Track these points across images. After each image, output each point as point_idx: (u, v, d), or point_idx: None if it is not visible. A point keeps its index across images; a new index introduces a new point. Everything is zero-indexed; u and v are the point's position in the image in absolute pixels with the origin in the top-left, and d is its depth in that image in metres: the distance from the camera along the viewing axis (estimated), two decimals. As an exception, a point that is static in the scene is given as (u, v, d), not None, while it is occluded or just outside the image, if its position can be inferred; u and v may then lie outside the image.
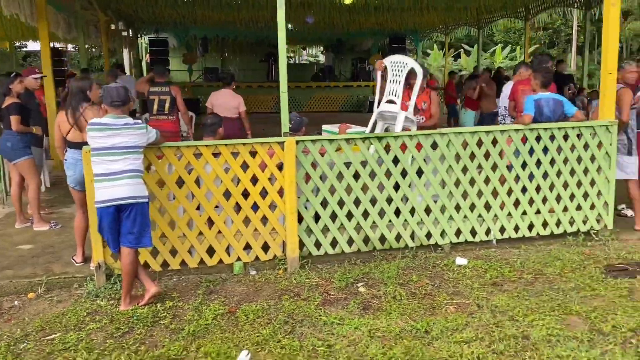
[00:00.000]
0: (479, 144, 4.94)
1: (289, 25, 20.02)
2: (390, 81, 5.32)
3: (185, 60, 20.93)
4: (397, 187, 4.89)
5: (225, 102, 7.31)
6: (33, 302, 4.19)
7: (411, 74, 5.22)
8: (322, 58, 28.62)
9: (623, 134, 5.52)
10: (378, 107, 5.38)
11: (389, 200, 4.89)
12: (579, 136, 5.13)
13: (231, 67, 23.83)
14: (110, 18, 14.75)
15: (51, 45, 10.27)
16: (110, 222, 3.89)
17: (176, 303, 4.08)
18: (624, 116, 5.48)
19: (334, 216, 4.77)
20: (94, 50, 23.84)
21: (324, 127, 5.88)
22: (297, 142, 4.54)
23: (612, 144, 5.17)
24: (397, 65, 5.30)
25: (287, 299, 4.10)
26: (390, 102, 5.26)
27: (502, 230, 5.14)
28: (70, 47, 23.57)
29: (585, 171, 5.18)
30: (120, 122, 3.91)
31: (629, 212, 5.97)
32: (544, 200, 5.16)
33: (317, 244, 4.78)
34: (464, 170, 4.95)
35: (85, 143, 3.98)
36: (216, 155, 4.47)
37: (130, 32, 19.04)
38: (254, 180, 4.53)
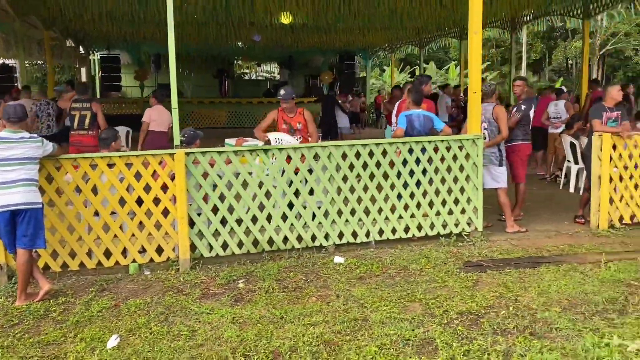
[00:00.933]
0: (357, 155, 5.53)
1: (239, 43, 20.64)
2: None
3: (137, 77, 21.30)
4: (297, 194, 5.43)
5: (159, 117, 7.77)
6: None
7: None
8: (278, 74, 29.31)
9: (495, 146, 6.20)
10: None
11: (276, 206, 5.42)
12: (448, 149, 5.76)
13: (185, 83, 24.23)
14: (57, 36, 15.07)
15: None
16: (5, 226, 4.32)
17: (69, 299, 4.51)
18: (504, 132, 6.16)
19: (224, 221, 5.28)
20: (45, 66, 24.01)
21: (226, 140, 6.41)
22: (187, 154, 5.05)
23: (478, 155, 5.83)
24: (279, 141, 5.89)
25: (170, 294, 4.58)
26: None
27: (381, 232, 5.73)
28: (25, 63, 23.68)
29: (455, 180, 5.82)
30: (16, 136, 4.36)
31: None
32: (418, 205, 5.77)
33: (210, 247, 5.28)
34: (344, 179, 5.53)
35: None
36: (111, 166, 4.94)
37: (82, 49, 19.35)
38: (148, 188, 5.02)
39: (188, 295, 4.56)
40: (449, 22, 15.50)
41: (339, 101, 12.97)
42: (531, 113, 6.67)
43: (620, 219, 6.37)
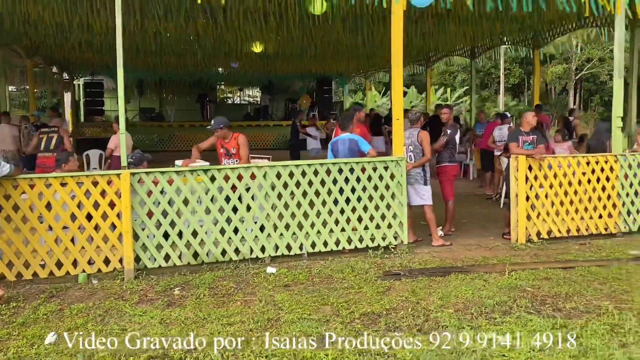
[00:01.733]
0: (291, 174, 6.13)
1: (220, 69, 21.42)
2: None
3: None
4: (235, 210, 6.00)
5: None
6: None
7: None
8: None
9: (420, 167, 6.82)
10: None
11: (216, 222, 6.00)
12: (375, 169, 6.38)
13: (168, 107, 24.90)
14: (41, 63, 15.72)
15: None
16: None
17: (19, 304, 5.04)
18: (427, 155, 6.80)
19: (167, 235, 5.84)
20: (35, 91, 24.68)
21: (176, 161, 7.00)
22: (133, 174, 5.63)
23: (402, 175, 6.44)
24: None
25: (110, 300, 5.12)
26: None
27: (314, 245, 6.30)
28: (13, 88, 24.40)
29: (382, 197, 6.42)
30: (-26, 159, 4.94)
31: (440, 232, 7.23)
32: (348, 220, 6.35)
33: (153, 258, 5.82)
34: (279, 196, 6.11)
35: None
36: (64, 185, 5.51)
37: (66, 75, 20.00)
38: (97, 205, 5.58)
39: (126, 300, 5.09)
40: (415, 52, 16.25)
41: (304, 124, 13.60)
42: (457, 138, 7.33)
43: (538, 234, 6.98)
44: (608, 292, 5.14)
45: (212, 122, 6.57)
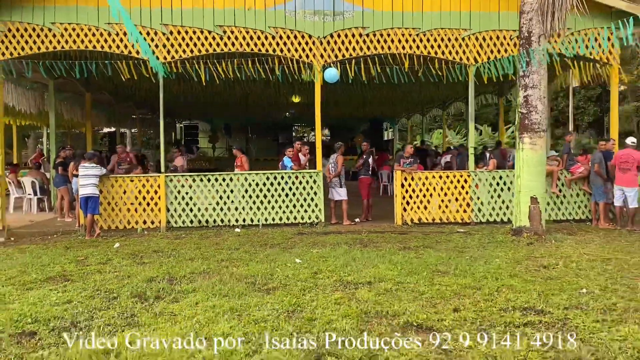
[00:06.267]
0: (254, 180, 10.88)
1: (287, 114, 26.88)
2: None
3: (210, 141, 28.10)
4: (221, 197, 10.89)
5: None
6: None
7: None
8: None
9: (337, 177, 11.27)
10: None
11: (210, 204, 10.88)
12: (304, 177, 10.94)
13: (251, 145, 30.76)
14: (148, 112, 22.00)
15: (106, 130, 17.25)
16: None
17: (107, 238, 10.18)
18: (338, 170, 11.25)
19: (184, 210, 10.81)
20: (151, 132, 31.85)
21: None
22: (167, 176, 10.70)
23: (318, 182, 10.93)
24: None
25: (152, 239, 10.11)
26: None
27: (267, 220, 10.93)
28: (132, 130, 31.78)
29: (308, 194, 10.94)
30: (89, 165, 10.24)
31: (357, 220, 11.54)
32: (287, 206, 10.94)
33: (176, 222, 10.79)
34: (246, 190, 10.88)
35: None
36: (132, 180, 10.69)
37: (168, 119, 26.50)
38: (148, 192, 10.71)
39: (159, 238, 10.06)
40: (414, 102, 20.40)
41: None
42: (370, 160, 11.70)
43: (412, 220, 11.08)
44: (400, 242, 9.29)
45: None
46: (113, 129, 23.38)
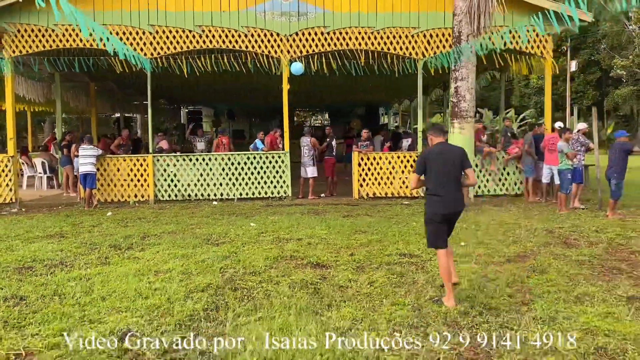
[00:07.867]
0: (229, 159, 12.57)
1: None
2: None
3: (214, 124, 29.86)
4: (201, 175, 12.61)
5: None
6: None
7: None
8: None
9: (311, 158, 12.89)
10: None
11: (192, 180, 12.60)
12: (273, 157, 12.58)
13: (254, 129, 32.46)
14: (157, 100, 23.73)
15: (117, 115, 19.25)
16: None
17: (103, 208, 11.96)
18: (314, 152, 12.88)
19: (169, 185, 12.55)
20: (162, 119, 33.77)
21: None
22: (154, 156, 12.42)
23: (285, 162, 12.56)
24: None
25: (141, 209, 11.86)
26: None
27: (241, 194, 12.62)
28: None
29: (278, 172, 12.60)
30: (88, 147, 12.01)
31: (323, 195, 13.18)
32: (259, 183, 12.61)
33: (162, 195, 12.54)
34: (223, 168, 12.58)
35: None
36: (125, 160, 12.44)
37: (175, 106, 28.29)
38: (138, 170, 12.47)
39: (147, 209, 11.82)
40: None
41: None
42: (333, 143, 13.30)
43: (367, 194, 12.69)
44: (348, 211, 10.91)
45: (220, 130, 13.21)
46: (125, 114, 25.25)
